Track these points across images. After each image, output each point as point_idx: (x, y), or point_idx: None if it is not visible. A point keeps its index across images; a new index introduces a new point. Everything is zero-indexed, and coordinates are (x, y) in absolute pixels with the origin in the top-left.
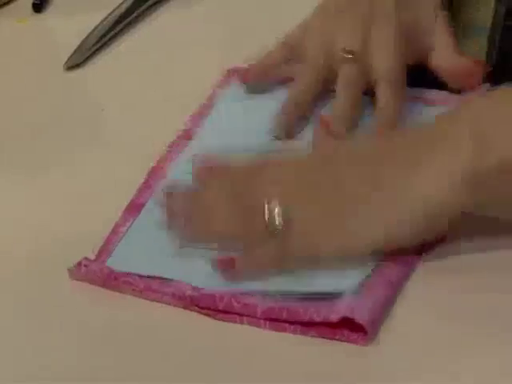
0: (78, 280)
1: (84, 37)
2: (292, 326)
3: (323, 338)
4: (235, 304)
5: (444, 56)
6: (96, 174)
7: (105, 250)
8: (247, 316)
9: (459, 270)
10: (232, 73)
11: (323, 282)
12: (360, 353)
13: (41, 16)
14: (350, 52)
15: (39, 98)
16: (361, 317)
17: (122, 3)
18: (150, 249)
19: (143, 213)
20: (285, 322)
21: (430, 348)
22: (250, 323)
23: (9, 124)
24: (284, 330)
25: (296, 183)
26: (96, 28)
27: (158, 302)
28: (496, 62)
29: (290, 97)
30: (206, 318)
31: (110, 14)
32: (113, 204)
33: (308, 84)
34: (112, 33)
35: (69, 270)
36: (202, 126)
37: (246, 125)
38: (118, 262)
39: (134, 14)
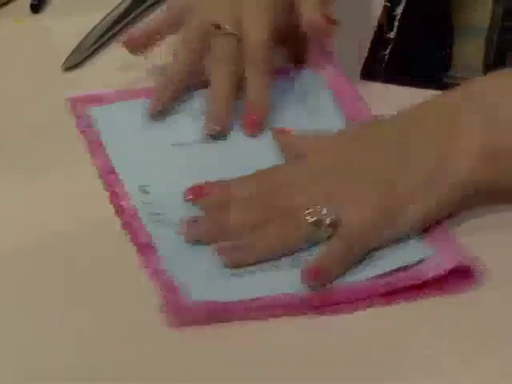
0: (179, 325)
1: (82, 37)
2: (400, 295)
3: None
4: (339, 295)
5: (306, 11)
6: (96, 174)
7: (169, 291)
8: (356, 301)
9: None
10: (87, 99)
11: (402, 254)
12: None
13: (38, 16)
14: (220, 26)
15: (38, 98)
16: (465, 263)
17: (120, 3)
18: (215, 276)
19: (161, 249)
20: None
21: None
22: (358, 308)
23: (8, 124)
24: (394, 299)
25: (327, 180)
26: (94, 28)
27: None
28: (493, 62)
29: (165, 77)
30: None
31: (108, 15)
32: None
33: (182, 63)
34: (110, 33)
35: (168, 320)
36: (110, 156)
37: (142, 131)
38: (204, 295)
39: (133, 15)
